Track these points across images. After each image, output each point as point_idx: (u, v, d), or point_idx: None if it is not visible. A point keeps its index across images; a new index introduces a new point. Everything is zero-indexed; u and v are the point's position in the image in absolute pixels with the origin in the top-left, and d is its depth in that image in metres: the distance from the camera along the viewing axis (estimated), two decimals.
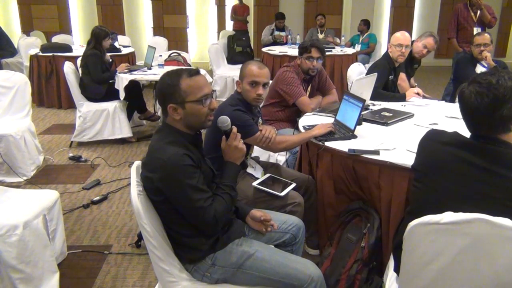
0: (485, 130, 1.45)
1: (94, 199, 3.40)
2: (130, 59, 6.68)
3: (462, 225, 1.31)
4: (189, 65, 5.82)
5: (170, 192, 1.60)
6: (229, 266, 1.71)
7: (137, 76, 4.62)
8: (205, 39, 9.98)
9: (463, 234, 1.32)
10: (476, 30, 5.42)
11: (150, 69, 4.95)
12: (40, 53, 6.19)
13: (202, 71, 1.79)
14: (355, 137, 2.39)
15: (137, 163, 1.75)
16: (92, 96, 4.62)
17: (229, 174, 1.78)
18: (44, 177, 3.88)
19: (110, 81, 4.67)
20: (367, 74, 3.51)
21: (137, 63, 6.35)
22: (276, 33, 7.83)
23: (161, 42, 7.75)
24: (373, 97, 3.21)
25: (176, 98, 1.63)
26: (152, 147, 1.67)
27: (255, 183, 2.25)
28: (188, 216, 1.64)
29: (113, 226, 3.05)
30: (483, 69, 3.86)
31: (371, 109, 3.03)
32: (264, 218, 1.89)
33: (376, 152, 2.13)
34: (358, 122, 2.45)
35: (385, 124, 2.67)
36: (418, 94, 3.43)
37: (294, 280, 1.68)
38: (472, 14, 5.51)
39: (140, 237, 2.77)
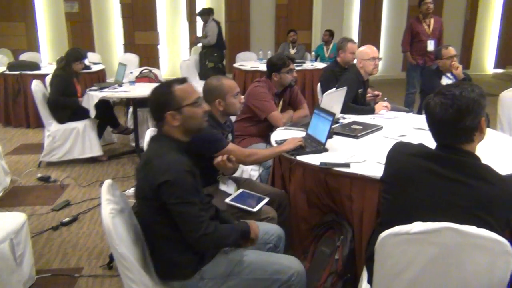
0: (450, 140, 1.49)
1: (64, 220, 3.30)
2: (100, 76, 6.60)
3: (431, 234, 1.34)
4: (161, 82, 5.78)
5: (167, 196, 1.60)
6: (219, 277, 1.72)
7: (108, 93, 4.56)
8: (176, 55, 9.96)
9: (432, 243, 1.35)
10: (429, 42, 5.65)
11: (121, 86, 4.90)
12: (7, 72, 6.04)
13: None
14: (326, 150, 2.42)
15: (108, 182, 1.72)
16: (55, 118, 4.53)
17: (240, 228, 1.83)
18: (11, 199, 3.75)
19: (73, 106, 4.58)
20: (337, 88, 3.56)
21: (107, 80, 6.28)
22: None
23: (132, 59, 7.68)
24: (343, 111, 3.27)
25: (173, 104, 1.72)
26: (151, 154, 1.71)
27: (227, 200, 2.24)
28: (180, 221, 1.63)
29: (84, 248, 2.97)
30: (449, 81, 3.98)
31: (341, 123, 3.08)
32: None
33: (347, 165, 2.16)
34: (329, 136, 2.48)
35: (355, 137, 2.72)
36: (386, 107, 3.51)
37: (282, 275, 1.75)
38: (426, 27, 5.74)
39: (112, 258, 2.71)
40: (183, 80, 1.80)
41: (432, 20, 5.77)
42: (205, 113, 1.81)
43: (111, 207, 1.61)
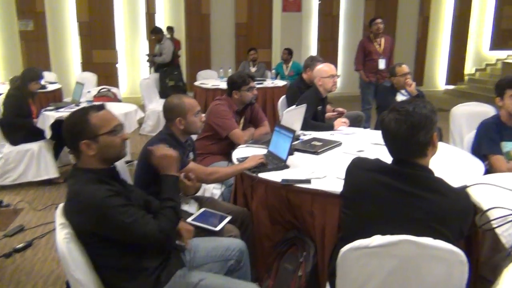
0: (404, 155, 1.55)
1: (17, 246, 3.15)
2: (56, 96, 6.42)
3: (389, 247, 1.37)
4: (120, 101, 5.69)
5: (105, 228, 1.56)
6: None
7: (64, 113, 4.43)
8: (136, 74, 9.85)
9: (391, 256, 1.38)
10: (381, 61, 5.89)
11: (78, 105, 4.78)
12: None
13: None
14: (287, 167, 2.44)
15: (62, 205, 1.66)
16: (8, 140, 4.35)
17: (165, 187, 1.81)
18: None
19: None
20: (297, 105, 3.62)
21: (64, 100, 6.11)
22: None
23: (90, 78, 7.51)
24: (304, 127, 3.32)
25: (88, 133, 1.64)
26: (71, 192, 1.64)
27: (189, 219, 2.21)
28: (135, 241, 1.61)
29: (39, 275, 2.83)
30: (403, 98, 4.12)
31: (302, 139, 3.12)
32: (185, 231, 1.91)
33: (308, 181, 2.18)
34: (290, 152, 2.51)
35: (316, 153, 2.76)
36: (345, 123, 3.59)
37: None
38: (377, 46, 5.98)
39: (69, 285, 2.59)
40: (100, 107, 1.71)
41: (382, 40, 6.01)
42: (124, 141, 1.72)
43: (65, 232, 1.55)
